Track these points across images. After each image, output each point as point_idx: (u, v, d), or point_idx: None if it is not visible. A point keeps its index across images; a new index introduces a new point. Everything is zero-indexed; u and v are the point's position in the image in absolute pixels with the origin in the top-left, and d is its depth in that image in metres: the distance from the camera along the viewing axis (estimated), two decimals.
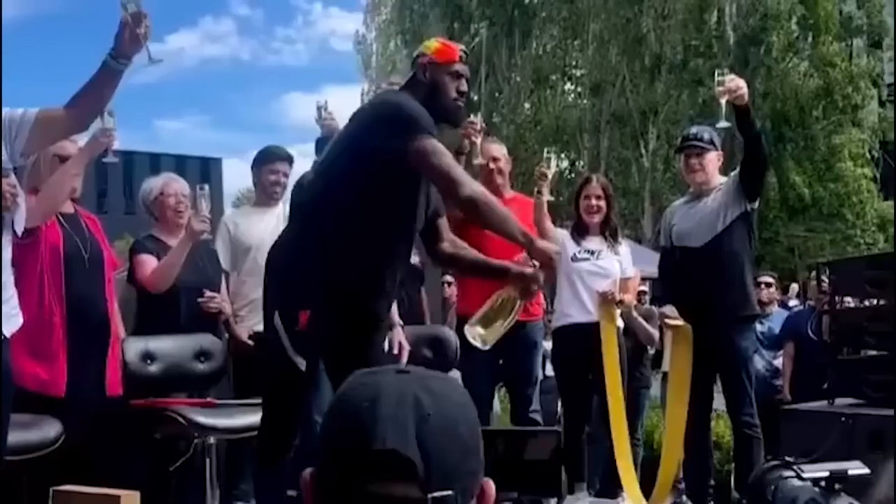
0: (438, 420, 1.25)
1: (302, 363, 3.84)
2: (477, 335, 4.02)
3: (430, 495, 1.22)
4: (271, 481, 4.70)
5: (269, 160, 5.91)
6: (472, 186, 3.78)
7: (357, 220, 3.79)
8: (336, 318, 3.80)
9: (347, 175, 3.82)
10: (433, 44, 4.12)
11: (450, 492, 1.24)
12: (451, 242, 4.35)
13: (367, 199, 3.77)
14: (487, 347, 4.10)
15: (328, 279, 3.78)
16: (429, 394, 1.27)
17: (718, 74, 5.43)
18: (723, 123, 5.44)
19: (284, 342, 3.80)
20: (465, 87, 4.04)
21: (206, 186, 5.59)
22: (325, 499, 1.28)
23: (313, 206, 3.94)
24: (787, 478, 3.73)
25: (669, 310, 5.78)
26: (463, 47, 4.15)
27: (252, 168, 6.03)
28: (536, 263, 3.91)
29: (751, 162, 5.66)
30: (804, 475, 3.62)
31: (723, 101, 5.34)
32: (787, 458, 3.78)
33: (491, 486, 1.34)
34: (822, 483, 3.59)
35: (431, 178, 3.84)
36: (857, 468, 3.66)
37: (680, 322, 5.68)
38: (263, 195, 5.91)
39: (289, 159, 5.94)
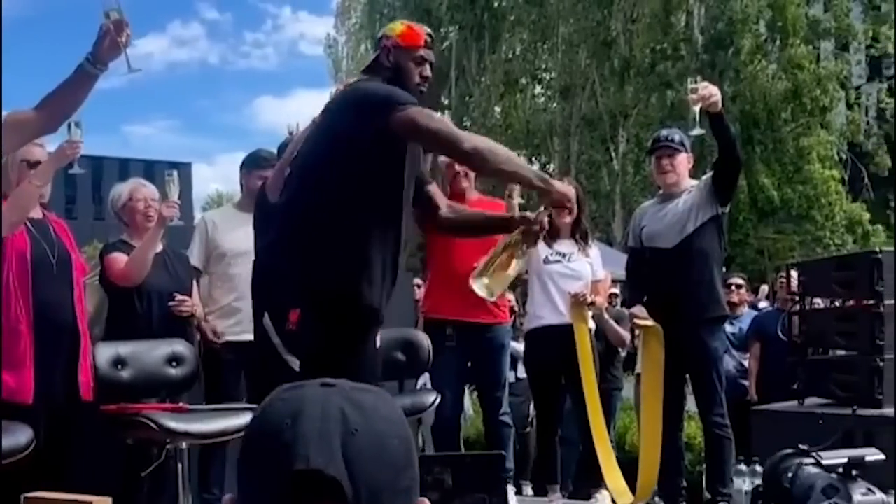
0: (367, 436, 1.18)
1: (295, 362, 3.76)
2: (483, 286, 3.99)
3: None
4: None
5: (259, 165, 5.85)
6: (472, 139, 3.77)
7: (341, 210, 3.73)
8: (327, 314, 3.75)
9: (328, 166, 3.76)
10: (398, 26, 4.01)
11: None
12: (449, 208, 4.31)
13: (350, 187, 3.72)
14: (494, 298, 4.04)
15: (316, 275, 3.74)
16: (356, 408, 1.20)
17: (691, 82, 5.46)
18: (696, 131, 5.47)
19: (275, 342, 3.77)
20: (428, 73, 3.95)
21: (175, 172, 5.56)
22: None
23: (295, 202, 3.88)
24: (804, 465, 3.75)
25: (639, 310, 5.80)
26: (429, 30, 4.05)
27: (240, 170, 6.01)
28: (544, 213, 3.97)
29: (725, 166, 5.69)
30: (823, 462, 3.64)
31: (696, 108, 5.37)
32: (802, 446, 3.81)
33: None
34: (840, 469, 3.61)
35: (427, 143, 3.83)
36: (873, 454, 3.68)
37: (650, 322, 5.71)
38: (249, 198, 5.82)
39: None
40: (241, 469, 1.23)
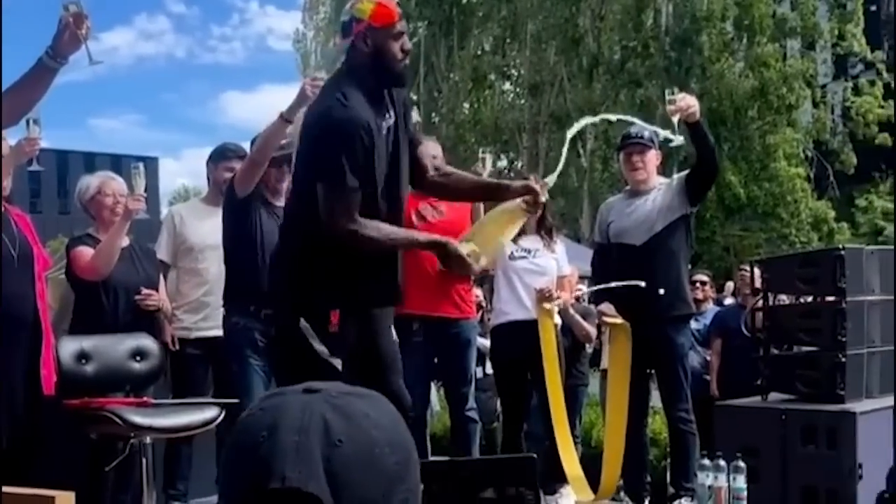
0: (352, 446, 1.09)
1: (339, 363, 3.80)
2: (470, 251, 3.91)
3: None
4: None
5: (225, 157, 5.84)
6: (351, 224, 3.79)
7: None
8: (364, 309, 3.88)
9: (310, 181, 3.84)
10: (367, 6, 3.86)
11: None
12: (437, 170, 4.29)
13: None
14: (480, 267, 4.03)
15: (351, 272, 3.81)
16: (341, 415, 1.11)
17: (669, 93, 5.51)
18: (677, 141, 5.52)
19: (318, 346, 3.76)
20: (408, 45, 3.93)
21: (141, 165, 5.55)
22: None
23: (299, 211, 3.94)
24: None
25: (607, 307, 5.82)
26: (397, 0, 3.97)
27: (207, 164, 5.97)
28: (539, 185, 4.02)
29: (703, 172, 5.75)
30: None
31: (675, 119, 5.42)
32: None
33: None
34: None
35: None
36: None
37: (618, 320, 5.73)
38: (216, 192, 5.82)
39: (245, 157, 5.87)
40: (221, 483, 1.17)
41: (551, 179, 4.25)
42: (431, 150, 6.03)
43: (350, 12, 3.92)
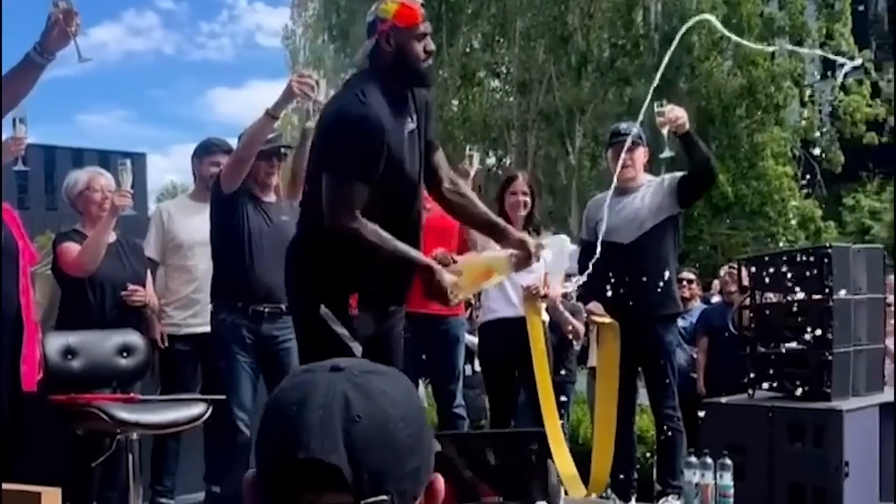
0: (370, 421, 1.20)
1: (359, 349, 3.84)
2: (453, 285, 3.95)
3: (362, 502, 1.18)
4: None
5: (210, 151, 5.83)
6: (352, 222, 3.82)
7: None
8: (382, 293, 3.94)
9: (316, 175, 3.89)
10: (391, 6, 3.88)
11: (384, 497, 1.19)
12: (452, 184, 4.31)
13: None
14: (455, 302, 4.05)
15: (364, 260, 3.84)
16: (361, 393, 1.22)
17: (657, 105, 5.53)
18: (666, 153, 5.53)
19: (339, 330, 3.79)
20: (432, 47, 3.95)
21: (128, 161, 5.53)
22: (263, 502, 1.24)
23: (312, 202, 3.97)
24: None
25: (595, 306, 5.83)
26: (421, 1, 3.99)
27: (192, 159, 5.95)
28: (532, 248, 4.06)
29: (698, 181, 5.76)
30: None
31: (664, 131, 5.44)
32: None
33: (440, 481, 1.29)
34: None
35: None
36: None
37: (607, 319, 5.74)
38: (203, 187, 5.81)
39: (230, 152, 5.84)
40: (256, 449, 1.27)
41: (546, 242, 4.28)
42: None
43: (374, 13, 3.94)
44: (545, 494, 4.36)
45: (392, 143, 3.84)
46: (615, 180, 5.67)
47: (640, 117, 5.14)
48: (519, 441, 4.61)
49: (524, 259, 4.09)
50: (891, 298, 8.14)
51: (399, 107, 3.90)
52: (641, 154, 5.89)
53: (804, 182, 28.98)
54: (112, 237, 5.49)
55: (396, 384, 1.28)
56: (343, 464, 1.17)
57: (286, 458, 1.19)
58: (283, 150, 5.38)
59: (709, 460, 4.72)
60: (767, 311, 5.47)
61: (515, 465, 4.32)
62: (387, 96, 3.85)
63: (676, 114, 5.48)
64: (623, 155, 5.80)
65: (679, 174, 5.81)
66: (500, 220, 4.44)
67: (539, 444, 4.52)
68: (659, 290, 5.70)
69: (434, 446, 1.31)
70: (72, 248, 5.36)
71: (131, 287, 5.47)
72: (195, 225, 5.64)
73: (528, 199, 6.13)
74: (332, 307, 3.83)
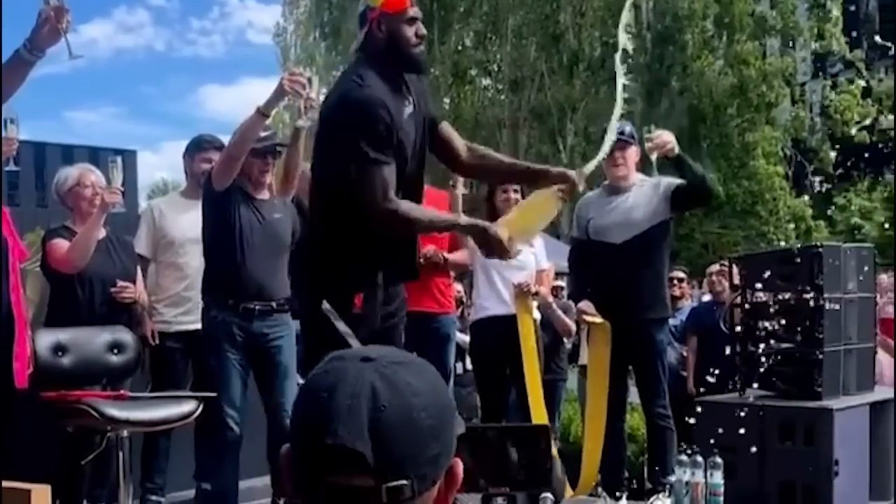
0: (394, 411, 1.28)
1: (358, 346, 3.82)
2: (508, 236, 3.92)
3: (384, 485, 1.26)
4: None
5: (202, 148, 5.80)
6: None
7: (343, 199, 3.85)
8: (383, 291, 3.95)
9: (335, 166, 3.89)
10: None
11: (404, 481, 1.27)
12: (468, 150, 4.31)
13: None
14: (515, 252, 4.03)
15: (371, 251, 3.87)
16: (387, 384, 1.30)
17: (646, 131, 5.54)
18: (654, 178, 5.55)
19: (341, 327, 3.78)
20: (423, 31, 3.96)
21: (119, 158, 5.52)
22: (294, 480, 1.34)
23: (321, 197, 4.01)
24: None
25: (586, 305, 5.83)
26: None
27: (184, 157, 5.93)
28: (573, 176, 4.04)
29: (693, 197, 5.76)
30: None
31: (653, 156, 5.45)
32: None
33: (459, 465, 1.37)
34: None
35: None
36: None
37: (598, 319, 5.74)
38: (194, 184, 5.78)
39: (221, 148, 5.71)
40: (291, 428, 1.36)
41: (588, 168, 4.24)
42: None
43: (364, 2, 3.97)
44: (550, 486, 4.39)
45: (399, 121, 3.87)
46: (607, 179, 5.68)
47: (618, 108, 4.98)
48: (524, 434, 4.65)
49: (570, 190, 4.09)
50: (890, 297, 8.16)
51: (396, 91, 3.92)
52: (634, 153, 5.89)
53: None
54: (102, 234, 5.47)
55: (422, 374, 1.36)
56: (367, 450, 1.25)
57: (315, 442, 1.27)
58: (277, 148, 5.37)
59: (699, 459, 4.73)
60: (758, 310, 5.48)
61: (521, 457, 4.35)
62: (383, 81, 3.86)
63: (664, 139, 5.50)
64: (615, 154, 5.81)
65: (676, 181, 5.78)
66: (531, 164, 4.44)
67: (544, 436, 4.55)
68: (650, 291, 5.71)
69: (457, 431, 1.38)
70: (61, 244, 5.34)
71: (121, 284, 5.46)
72: (186, 222, 5.62)
73: (518, 195, 6.13)
74: (335, 304, 3.84)
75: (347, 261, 3.88)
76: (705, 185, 5.79)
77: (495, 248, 3.91)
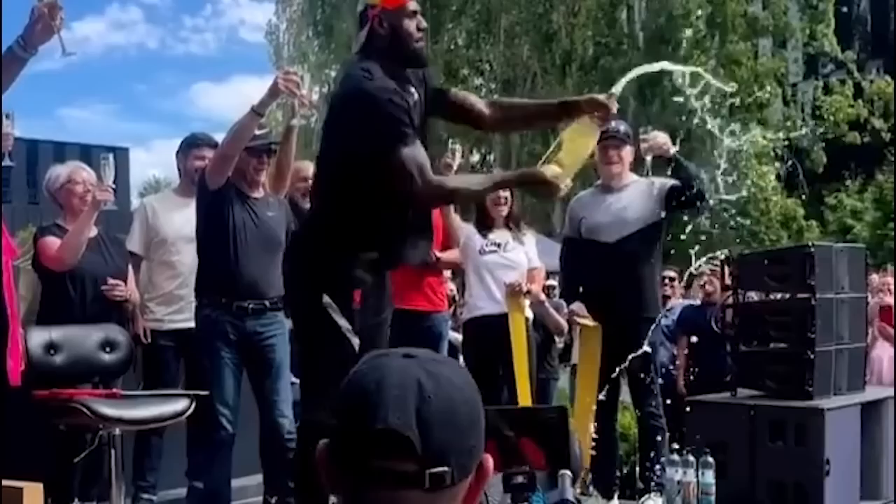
0: (438, 402, 1.36)
1: (357, 342, 3.87)
2: (555, 174, 3.95)
3: (427, 471, 1.34)
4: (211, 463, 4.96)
5: (195, 146, 5.79)
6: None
7: (360, 189, 3.87)
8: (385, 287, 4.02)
9: (341, 159, 3.92)
10: None
11: (446, 468, 1.35)
12: (490, 107, 4.32)
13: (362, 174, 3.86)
14: (566, 187, 4.04)
15: (370, 246, 3.91)
16: (431, 378, 1.38)
17: (641, 131, 5.55)
18: (648, 178, 5.56)
19: (341, 322, 3.82)
20: (424, 24, 4.00)
21: (110, 156, 5.51)
22: (335, 469, 1.40)
23: (325, 192, 4.04)
24: None
25: (578, 307, 5.83)
26: None
27: (177, 154, 5.92)
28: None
29: (689, 198, 5.77)
30: None
31: (648, 158, 5.45)
32: None
33: (489, 460, 1.44)
34: None
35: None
36: None
37: (590, 322, 5.75)
38: (188, 182, 5.76)
39: (215, 146, 5.68)
40: (335, 420, 1.42)
41: (617, 89, 4.23)
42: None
43: (364, 1, 4.04)
44: (568, 464, 4.46)
45: (409, 107, 3.89)
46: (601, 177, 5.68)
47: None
48: (542, 414, 4.73)
49: (604, 115, 4.11)
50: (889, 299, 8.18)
51: (400, 83, 3.94)
52: (629, 152, 5.89)
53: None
54: (93, 232, 5.46)
55: (458, 372, 1.45)
56: (415, 437, 1.33)
57: (365, 428, 1.34)
58: (272, 146, 5.36)
59: (691, 458, 4.74)
60: (750, 310, 5.49)
61: (540, 436, 4.43)
62: (388, 75, 3.89)
63: (658, 141, 5.50)
64: (610, 152, 5.82)
65: (670, 182, 5.78)
66: (556, 101, 4.45)
67: (563, 417, 4.65)
68: (642, 290, 5.71)
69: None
70: (52, 242, 5.34)
71: (112, 281, 5.45)
72: (180, 220, 5.62)
73: (507, 195, 6.13)
74: (335, 299, 3.86)
75: (349, 256, 3.89)
76: (700, 186, 5.80)
77: (544, 190, 3.99)
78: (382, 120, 3.77)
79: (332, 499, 1.44)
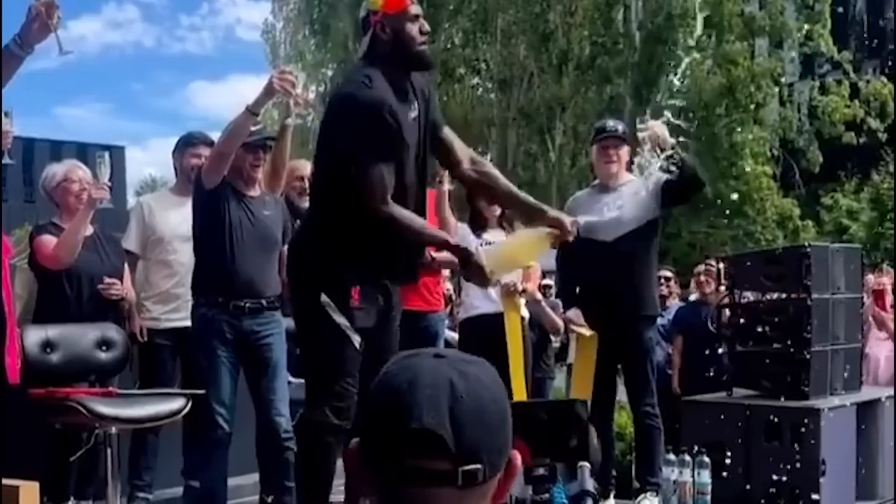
0: (470, 402, 1.38)
1: (357, 340, 3.89)
2: (491, 266, 3.99)
3: (460, 468, 1.36)
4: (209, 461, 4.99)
5: (191, 145, 5.79)
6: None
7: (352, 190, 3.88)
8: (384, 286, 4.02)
9: (335, 159, 3.95)
10: None
11: (478, 465, 1.38)
12: (472, 163, 4.35)
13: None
14: (494, 280, 4.08)
15: (370, 248, 3.92)
16: (462, 377, 1.41)
17: (639, 122, 5.55)
18: (643, 175, 5.57)
19: (340, 320, 3.83)
20: (427, 27, 4.02)
21: (106, 154, 5.51)
22: (367, 468, 1.42)
23: (323, 191, 4.06)
24: None
25: (575, 315, 5.83)
26: None
27: (173, 153, 5.91)
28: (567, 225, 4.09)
29: (684, 189, 5.77)
30: None
31: (646, 146, 5.46)
32: None
33: (517, 457, 1.46)
34: None
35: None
36: None
37: (586, 330, 5.75)
38: (184, 180, 5.75)
39: (212, 145, 5.67)
40: (365, 419, 1.45)
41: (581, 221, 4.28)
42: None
43: (365, 8, 4.03)
44: (587, 455, 4.50)
45: (403, 127, 3.92)
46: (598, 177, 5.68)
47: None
48: (561, 407, 4.77)
49: (562, 235, 4.13)
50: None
51: (401, 94, 3.96)
52: (626, 152, 5.90)
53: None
54: (89, 230, 5.46)
55: (487, 372, 1.48)
56: (448, 435, 1.35)
57: (398, 428, 1.36)
58: (268, 142, 5.36)
59: (687, 458, 4.75)
60: (746, 310, 5.50)
61: (558, 428, 4.48)
62: (390, 83, 3.90)
63: (657, 131, 5.50)
64: (609, 151, 5.82)
65: (664, 177, 5.79)
66: (531, 199, 4.46)
67: (580, 409, 4.68)
68: (639, 289, 5.71)
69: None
70: (48, 240, 5.33)
71: (108, 280, 5.45)
72: (176, 219, 5.61)
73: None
74: (333, 298, 3.86)
75: (346, 255, 3.91)
76: (696, 177, 5.80)
77: (476, 275, 4.01)
78: (366, 132, 3.80)
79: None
